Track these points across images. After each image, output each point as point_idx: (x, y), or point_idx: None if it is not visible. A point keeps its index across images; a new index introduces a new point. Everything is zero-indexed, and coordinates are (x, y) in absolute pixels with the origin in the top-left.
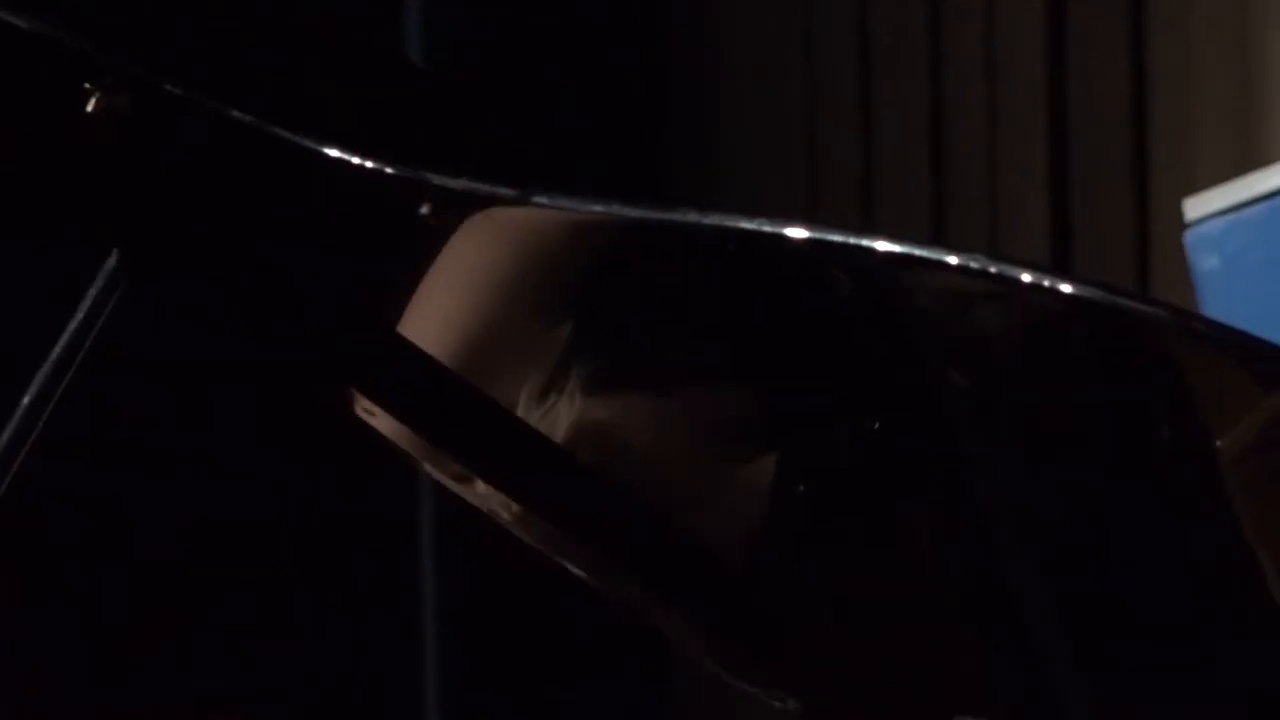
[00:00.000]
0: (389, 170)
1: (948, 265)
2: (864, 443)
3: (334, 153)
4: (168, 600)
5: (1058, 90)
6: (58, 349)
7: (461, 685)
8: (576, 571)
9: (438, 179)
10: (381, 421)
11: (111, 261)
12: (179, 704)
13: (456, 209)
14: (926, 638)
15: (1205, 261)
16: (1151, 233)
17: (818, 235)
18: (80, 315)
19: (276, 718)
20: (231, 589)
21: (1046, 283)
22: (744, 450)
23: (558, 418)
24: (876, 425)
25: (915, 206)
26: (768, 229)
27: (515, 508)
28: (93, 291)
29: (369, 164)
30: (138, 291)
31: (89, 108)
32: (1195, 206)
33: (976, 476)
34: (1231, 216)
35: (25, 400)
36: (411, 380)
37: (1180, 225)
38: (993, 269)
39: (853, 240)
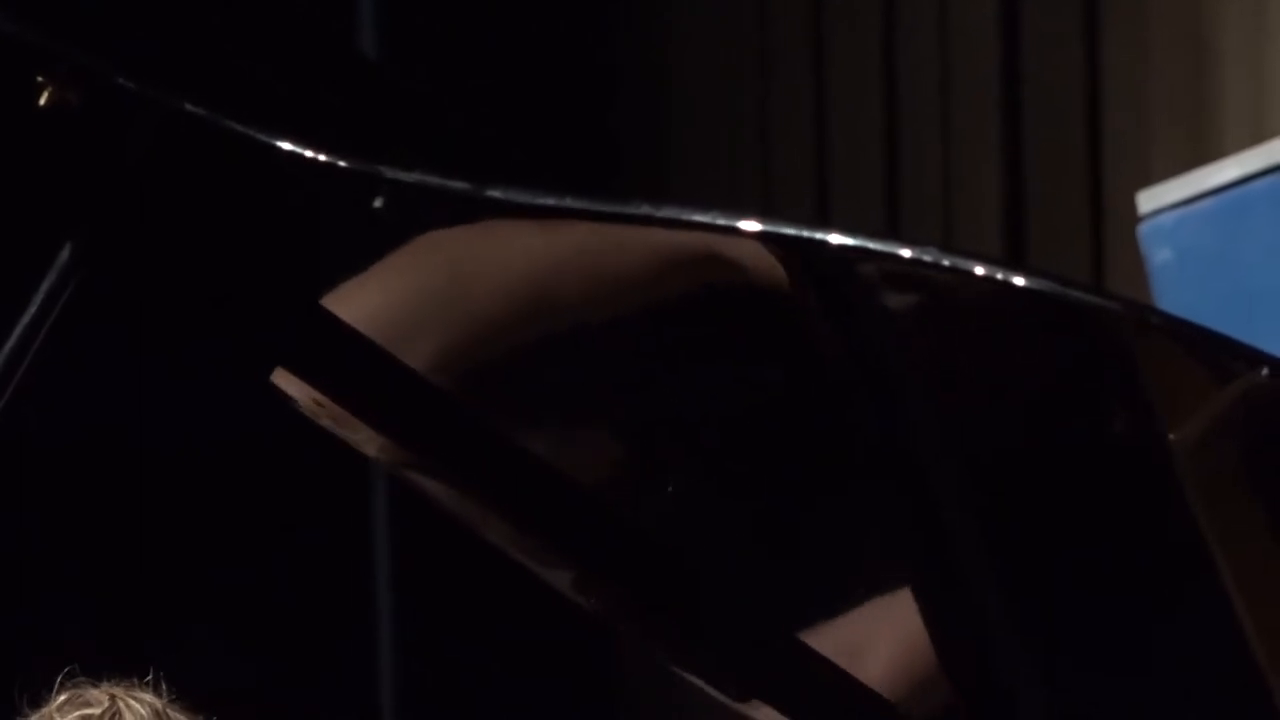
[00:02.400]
0: (343, 164)
1: (901, 258)
2: (818, 437)
3: (288, 146)
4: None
5: (1012, 83)
6: (11, 341)
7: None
8: (515, 552)
9: (391, 172)
10: (330, 413)
11: (65, 255)
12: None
13: (410, 202)
14: (885, 628)
15: (1159, 254)
16: (1105, 226)
17: (770, 228)
18: (34, 308)
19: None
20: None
21: (1000, 275)
22: (694, 435)
23: (510, 406)
24: (831, 420)
25: (869, 199)
26: (720, 221)
27: (472, 503)
28: (46, 285)
29: (323, 157)
30: (93, 283)
31: (42, 101)
32: (1149, 200)
33: (932, 469)
34: (1184, 210)
35: None
36: (362, 370)
37: (1134, 218)
38: (946, 261)
39: (806, 233)
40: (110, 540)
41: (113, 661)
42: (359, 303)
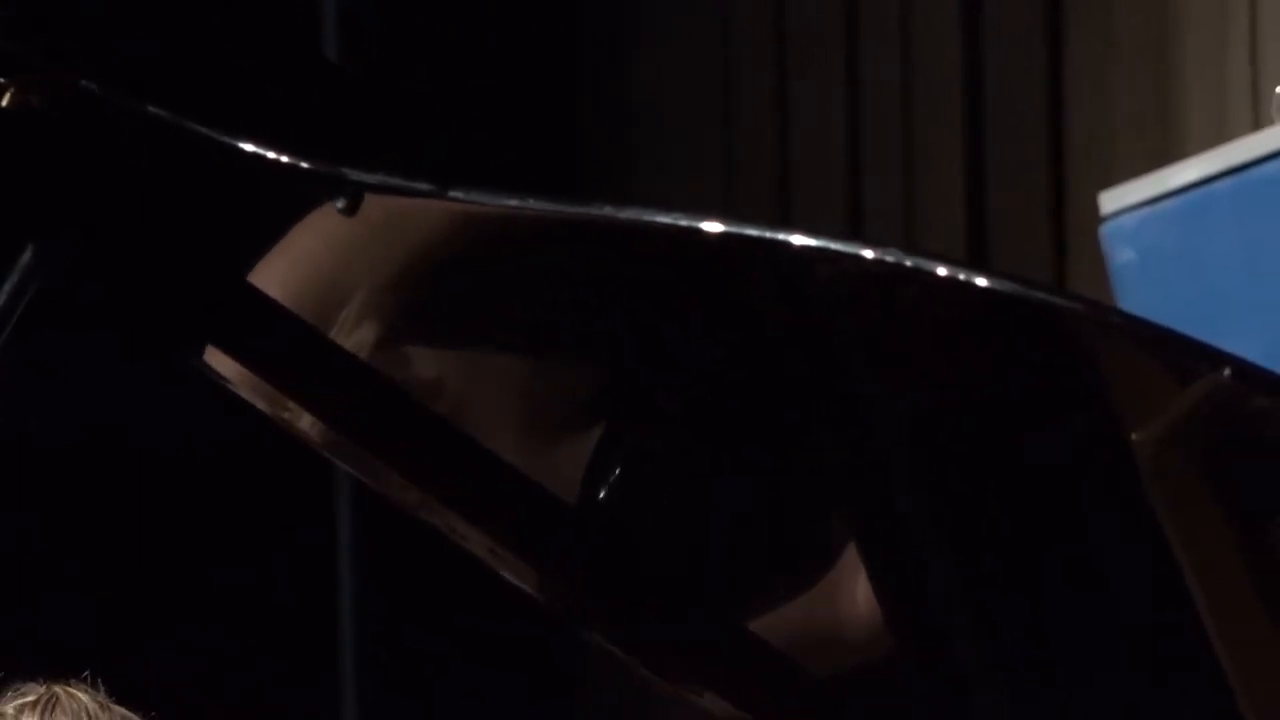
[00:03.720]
0: (304, 165)
1: (864, 259)
2: (780, 438)
3: (250, 147)
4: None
5: (974, 83)
6: None
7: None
8: (470, 546)
9: (354, 173)
10: (297, 416)
11: (27, 257)
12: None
13: (372, 202)
14: (841, 630)
15: (1121, 255)
16: (1068, 226)
17: (733, 228)
18: None
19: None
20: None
21: (962, 276)
22: (657, 435)
23: (479, 406)
24: (791, 420)
25: (832, 199)
26: (683, 222)
27: (421, 492)
28: (8, 286)
29: (285, 158)
30: (54, 287)
31: (3, 103)
32: (1111, 200)
33: (893, 467)
34: (1147, 210)
35: None
36: (327, 372)
37: (1096, 219)
38: (908, 263)
39: (768, 234)
40: (110, 540)
41: (112, 662)
42: (288, 278)
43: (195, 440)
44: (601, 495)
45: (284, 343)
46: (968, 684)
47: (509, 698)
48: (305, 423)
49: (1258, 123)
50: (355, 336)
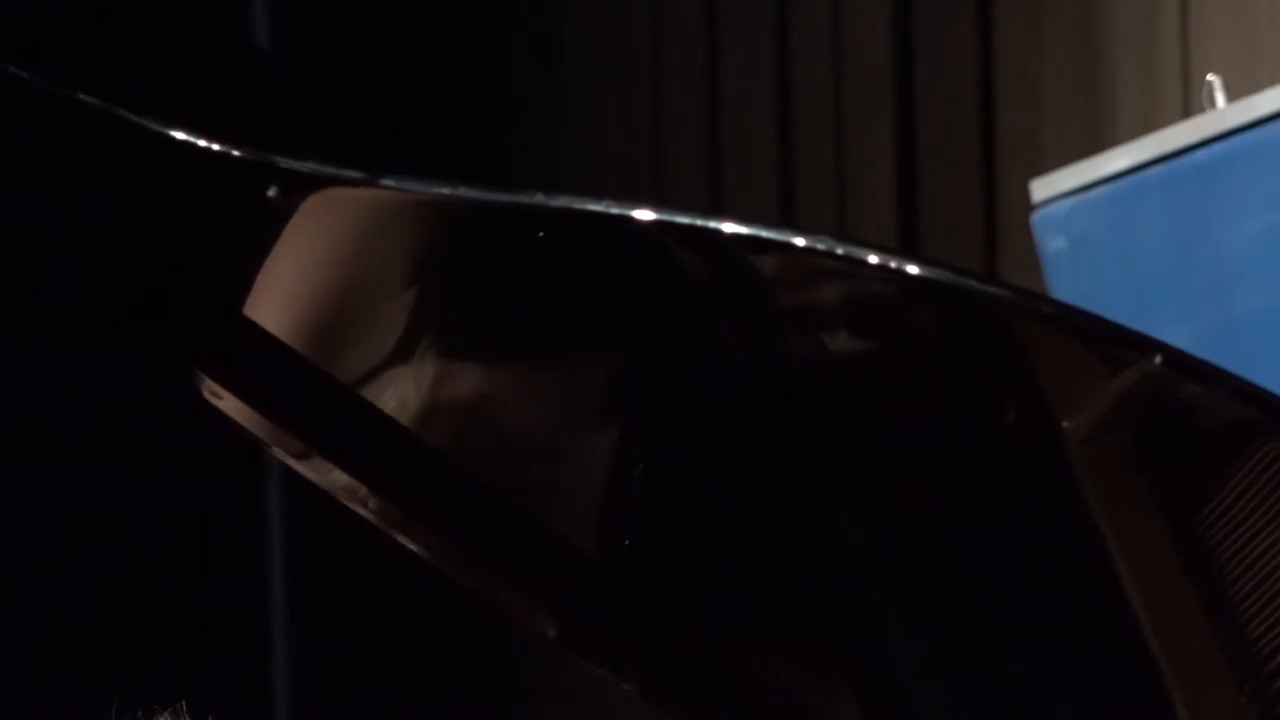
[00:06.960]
0: (236, 153)
1: (795, 247)
2: (709, 424)
3: (181, 135)
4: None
5: (905, 71)
6: None
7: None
8: (423, 554)
9: (285, 161)
10: (228, 404)
11: None
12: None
13: (304, 191)
14: (768, 621)
15: (1052, 242)
16: (999, 214)
17: (664, 216)
18: None
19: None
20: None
21: (893, 264)
22: (589, 430)
23: (406, 399)
24: (722, 407)
25: (763, 189)
26: (614, 210)
27: (361, 489)
28: None
29: (216, 146)
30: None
31: None
32: (1042, 188)
33: (820, 458)
34: (1078, 198)
35: None
36: (258, 362)
37: (1027, 206)
38: (840, 250)
39: (699, 221)
40: (110, 540)
41: (112, 661)
42: (279, 308)
43: (198, 440)
44: (543, 492)
45: (219, 331)
46: (899, 675)
47: (443, 697)
48: (234, 409)
49: (1188, 110)
50: (291, 327)
